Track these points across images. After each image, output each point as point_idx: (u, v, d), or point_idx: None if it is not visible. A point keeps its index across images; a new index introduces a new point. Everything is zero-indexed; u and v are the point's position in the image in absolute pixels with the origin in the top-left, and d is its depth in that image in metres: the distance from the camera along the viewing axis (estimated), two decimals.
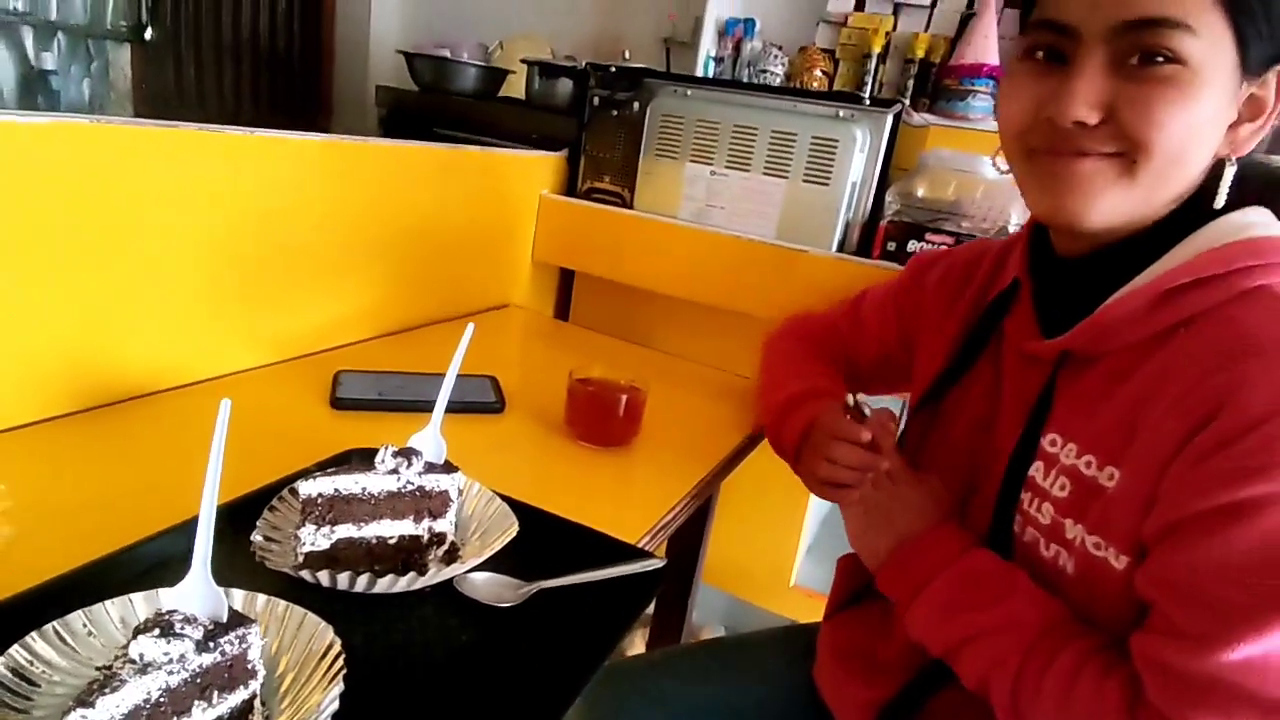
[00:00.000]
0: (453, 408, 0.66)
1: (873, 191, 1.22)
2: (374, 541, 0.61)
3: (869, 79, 1.62)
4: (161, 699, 0.39)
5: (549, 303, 1.46)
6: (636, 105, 1.34)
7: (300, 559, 0.58)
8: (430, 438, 0.65)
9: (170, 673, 0.39)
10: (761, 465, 1.26)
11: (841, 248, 1.23)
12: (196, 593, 0.43)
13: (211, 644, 0.41)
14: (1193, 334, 0.52)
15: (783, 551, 1.40)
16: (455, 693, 0.50)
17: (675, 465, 0.88)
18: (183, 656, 0.40)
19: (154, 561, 0.55)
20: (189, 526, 0.56)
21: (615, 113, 1.36)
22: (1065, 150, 0.54)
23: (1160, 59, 0.50)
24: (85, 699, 0.36)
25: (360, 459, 0.64)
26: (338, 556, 0.59)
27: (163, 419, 0.82)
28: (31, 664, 0.44)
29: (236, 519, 0.58)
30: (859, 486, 0.67)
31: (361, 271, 1.11)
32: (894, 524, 0.65)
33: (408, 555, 0.61)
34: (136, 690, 0.38)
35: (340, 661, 0.46)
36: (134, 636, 0.39)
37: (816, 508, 1.42)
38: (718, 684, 0.86)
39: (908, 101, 1.52)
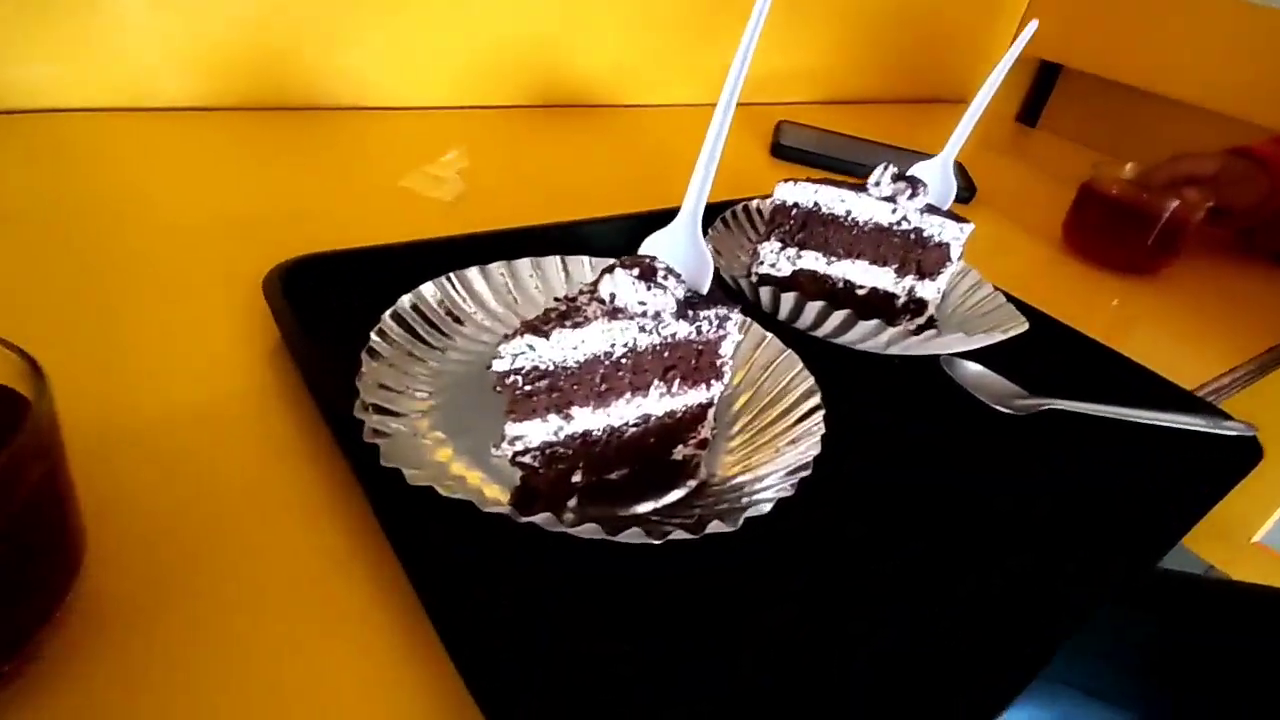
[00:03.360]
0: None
1: None
2: (839, 285, 0.46)
3: None
4: (624, 359, 0.29)
5: (1013, 103, 1.16)
6: None
7: (756, 278, 0.46)
8: (938, 169, 0.47)
9: (642, 329, 0.29)
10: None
11: None
12: (681, 244, 0.31)
13: (691, 314, 0.29)
14: None
15: (1256, 500, 1.04)
16: (917, 485, 0.35)
17: (1212, 328, 0.61)
18: (659, 315, 0.29)
19: (602, 243, 0.46)
20: (643, 216, 0.47)
21: None
22: None
23: None
24: (538, 326, 0.27)
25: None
26: (797, 287, 0.46)
27: (608, 127, 0.76)
28: (464, 298, 0.38)
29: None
30: None
31: (810, 28, 0.93)
32: None
33: (874, 315, 0.46)
34: (600, 336, 0.28)
35: (819, 417, 0.32)
36: (608, 270, 0.29)
37: None
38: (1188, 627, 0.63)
39: None
